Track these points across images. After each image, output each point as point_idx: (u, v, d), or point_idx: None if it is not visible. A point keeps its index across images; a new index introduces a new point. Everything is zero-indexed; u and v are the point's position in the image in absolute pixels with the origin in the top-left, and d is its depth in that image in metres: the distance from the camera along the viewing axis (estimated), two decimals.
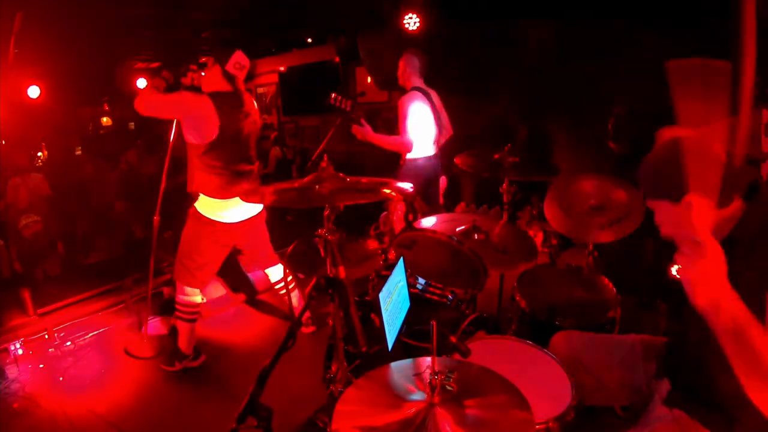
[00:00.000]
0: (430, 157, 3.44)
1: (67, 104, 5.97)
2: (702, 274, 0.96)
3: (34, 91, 4.09)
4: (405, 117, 3.24)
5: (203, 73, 2.61)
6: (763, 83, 2.13)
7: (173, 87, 2.57)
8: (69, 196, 5.49)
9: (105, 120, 7.94)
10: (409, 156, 3.38)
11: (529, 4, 4.00)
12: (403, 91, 3.41)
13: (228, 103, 2.49)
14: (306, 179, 1.56)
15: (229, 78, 2.53)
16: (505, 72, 4.51)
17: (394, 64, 3.48)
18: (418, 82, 3.41)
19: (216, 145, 2.47)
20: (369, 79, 5.85)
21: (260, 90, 7.63)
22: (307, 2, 4.04)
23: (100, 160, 5.91)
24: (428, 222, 2.33)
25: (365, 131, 3.22)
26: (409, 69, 3.40)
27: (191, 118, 2.45)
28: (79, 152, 6.88)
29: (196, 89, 2.62)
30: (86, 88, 6.02)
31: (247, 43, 2.79)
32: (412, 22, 3.81)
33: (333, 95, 2.66)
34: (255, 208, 2.72)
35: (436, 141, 3.46)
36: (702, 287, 0.96)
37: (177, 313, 2.73)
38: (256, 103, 2.71)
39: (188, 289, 2.69)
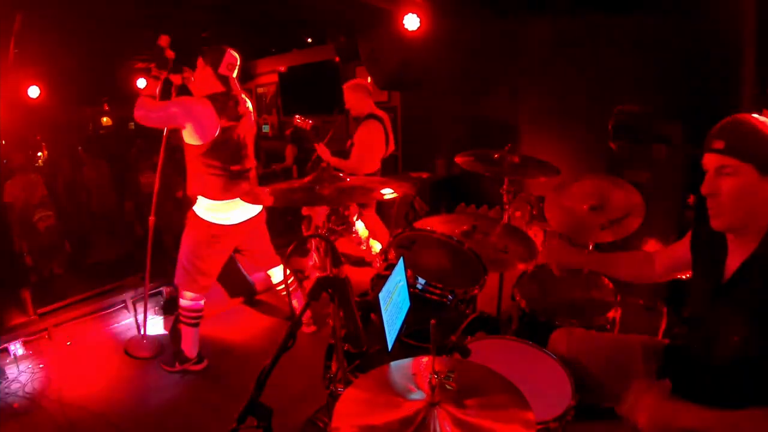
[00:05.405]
0: (374, 173, 3.66)
1: (67, 104, 5.95)
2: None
3: (34, 91, 4.07)
4: (364, 147, 3.41)
5: (192, 78, 2.58)
6: (763, 83, 2.13)
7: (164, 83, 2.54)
8: (68, 196, 5.50)
9: (105, 120, 7.91)
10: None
11: (528, 2, 4.00)
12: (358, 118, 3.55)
13: (225, 103, 2.47)
14: (306, 179, 1.56)
15: (222, 79, 2.50)
16: (505, 71, 4.50)
17: (394, 64, 3.49)
18: (371, 107, 3.53)
19: (214, 145, 2.45)
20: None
21: (260, 90, 7.61)
22: (307, 2, 4.04)
23: (101, 160, 5.90)
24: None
25: (322, 151, 3.46)
26: (359, 96, 3.51)
27: (194, 123, 2.41)
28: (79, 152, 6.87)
29: (185, 89, 2.61)
30: (86, 88, 6.00)
31: (246, 43, 2.79)
32: (412, 22, 3.80)
33: (297, 117, 3.14)
34: (254, 209, 2.70)
35: (381, 158, 3.67)
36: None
37: (181, 318, 2.72)
38: (250, 104, 2.67)
39: (191, 294, 2.68)
